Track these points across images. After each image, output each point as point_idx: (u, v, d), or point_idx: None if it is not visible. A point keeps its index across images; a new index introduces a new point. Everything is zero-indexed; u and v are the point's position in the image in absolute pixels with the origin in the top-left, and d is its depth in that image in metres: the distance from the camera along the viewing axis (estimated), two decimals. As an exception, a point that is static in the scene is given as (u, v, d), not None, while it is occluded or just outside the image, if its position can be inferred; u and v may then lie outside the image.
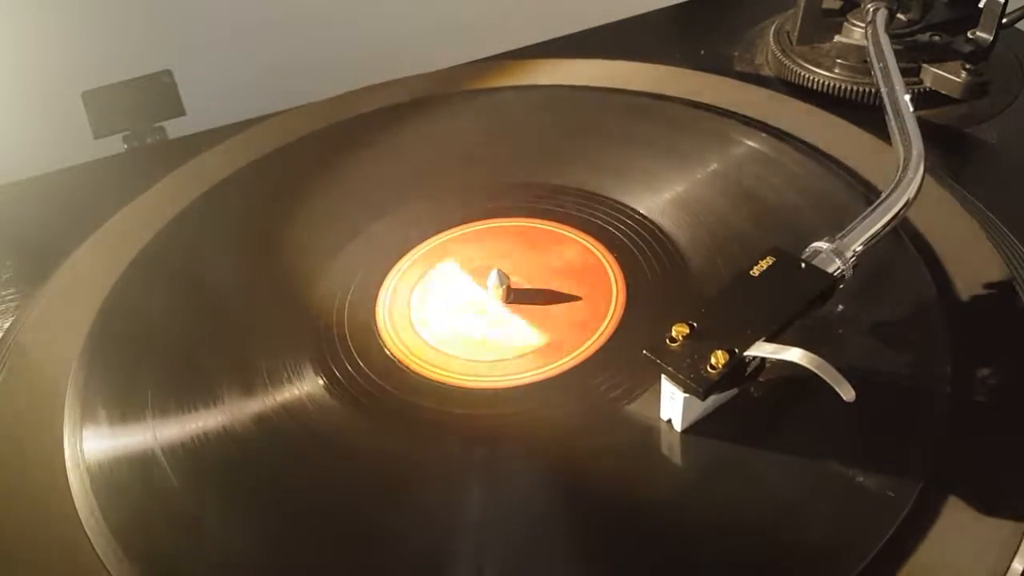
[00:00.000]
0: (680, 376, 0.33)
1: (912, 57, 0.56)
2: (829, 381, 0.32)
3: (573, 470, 0.36)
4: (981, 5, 0.55)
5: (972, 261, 0.42)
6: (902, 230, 0.43)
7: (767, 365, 0.35)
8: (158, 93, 0.61)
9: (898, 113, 0.45)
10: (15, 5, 0.67)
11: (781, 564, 0.32)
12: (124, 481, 0.36)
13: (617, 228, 0.46)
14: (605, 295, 0.43)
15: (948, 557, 0.31)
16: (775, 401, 0.36)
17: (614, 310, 0.42)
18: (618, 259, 0.45)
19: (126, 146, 0.60)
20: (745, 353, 0.33)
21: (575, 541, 0.33)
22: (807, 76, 0.59)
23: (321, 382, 0.40)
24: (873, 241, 0.38)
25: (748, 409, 0.36)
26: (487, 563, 0.33)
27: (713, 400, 0.35)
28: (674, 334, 0.34)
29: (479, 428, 0.38)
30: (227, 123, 0.59)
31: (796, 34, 0.61)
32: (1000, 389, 0.37)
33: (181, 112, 0.62)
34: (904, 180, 0.40)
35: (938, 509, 0.32)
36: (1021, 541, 0.31)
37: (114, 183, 0.55)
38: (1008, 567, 0.31)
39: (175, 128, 0.62)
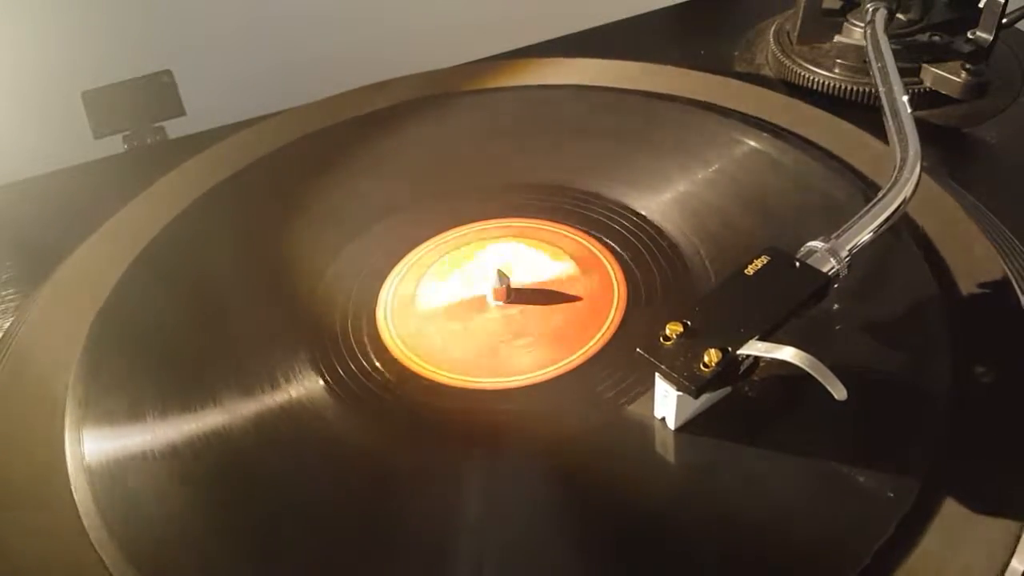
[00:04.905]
0: (673, 374, 0.33)
1: (912, 57, 0.56)
2: (821, 380, 0.32)
3: (572, 470, 0.36)
4: (981, 5, 0.55)
5: (972, 261, 0.42)
6: (902, 229, 0.43)
7: (761, 364, 0.35)
8: (158, 93, 0.61)
9: (896, 113, 0.45)
10: (15, 5, 0.67)
11: (780, 564, 0.32)
12: (125, 481, 0.36)
13: (617, 228, 0.46)
14: (605, 295, 0.43)
15: (947, 557, 0.31)
16: (773, 400, 0.36)
17: (614, 310, 0.42)
18: (618, 259, 0.45)
19: (126, 146, 0.60)
20: (738, 352, 0.33)
21: (573, 540, 0.33)
22: (807, 76, 0.59)
23: (321, 382, 0.40)
24: (869, 241, 0.38)
25: (745, 408, 0.36)
26: (487, 562, 0.33)
27: (707, 398, 0.35)
28: (668, 332, 0.34)
29: (479, 428, 0.38)
30: (227, 123, 0.60)
31: (796, 34, 0.61)
32: (999, 389, 0.37)
33: (181, 112, 0.62)
34: (900, 180, 0.40)
35: (937, 509, 0.32)
36: (1020, 541, 0.31)
37: (114, 183, 0.55)
38: (1007, 567, 0.31)
39: (175, 128, 0.62)
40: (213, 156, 0.54)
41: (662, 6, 0.72)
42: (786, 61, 0.60)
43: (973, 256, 0.42)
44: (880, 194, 0.39)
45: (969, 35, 0.56)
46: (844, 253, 0.37)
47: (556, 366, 0.40)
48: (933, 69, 0.56)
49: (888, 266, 0.42)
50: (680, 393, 0.34)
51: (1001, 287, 0.41)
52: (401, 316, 0.43)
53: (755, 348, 0.33)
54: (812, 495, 0.34)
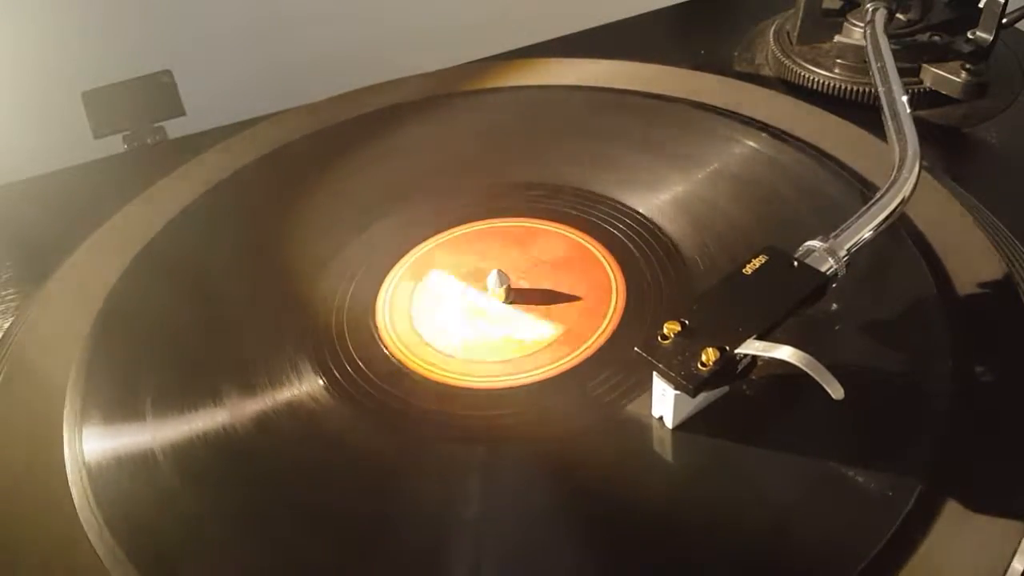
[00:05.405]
0: (671, 373, 0.33)
1: (912, 57, 0.56)
2: (818, 379, 0.32)
3: (570, 468, 0.36)
4: (981, 5, 0.55)
5: (972, 261, 0.42)
6: (902, 229, 0.43)
7: (759, 363, 0.35)
8: (158, 93, 0.61)
9: (895, 113, 0.45)
10: (15, 5, 0.67)
11: (779, 565, 0.32)
12: (124, 481, 0.36)
13: (617, 228, 0.46)
14: (605, 295, 0.43)
15: (948, 557, 0.31)
16: (771, 399, 0.36)
17: (614, 310, 0.42)
18: (618, 259, 0.45)
19: (126, 146, 0.61)
20: (736, 351, 0.33)
21: (571, 539, 0.33)
22: (807, 76, 0.59)
23: (321, 382, 0.40)
24: (867, 240, 0.38)
25: (743, 408, 0.36)
26: (486, 561, 0.33)
27: (704, 397, 0.35)
28: (666, 331, 0.34)
29: (479, 428, 0.38)
30: (227, 123, 0.60)
31: (796, 34, 0.61)
32: (999, 389, 0.37)
33: (181, 112, 0.62)
34: (899, 179, 0.40)
35: (938, 509, 0.32)
36: (1021, 541, 0.31)
37: (114, 183, 0.55)
38: (1008, 567, 0.31)
39: (175, 128, 0.62)
40: (213, 156, 0.54)
41: (662, 6, 0.72)
42: (786, 61, 0.60)
43: (973, 256, 0.42)
44: (879, 194, 0.39)
45: (969, 35, 0.56)
46: (842, 253, 0.37)
47: (555, 365, 0.40)
48: (933, 69, 0.56)
49: (887, 266, 0.42)
50: (677, 392, 0.34)
51: (1001, 287, 0.41)
52: (401, 315, 0.43)
53: (753, 347, 0.33)
54: (812, 495, 0.33)
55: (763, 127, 0.51)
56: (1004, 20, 0.55)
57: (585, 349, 0.40)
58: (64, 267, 0.47)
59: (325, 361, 0.41)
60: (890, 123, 0.45)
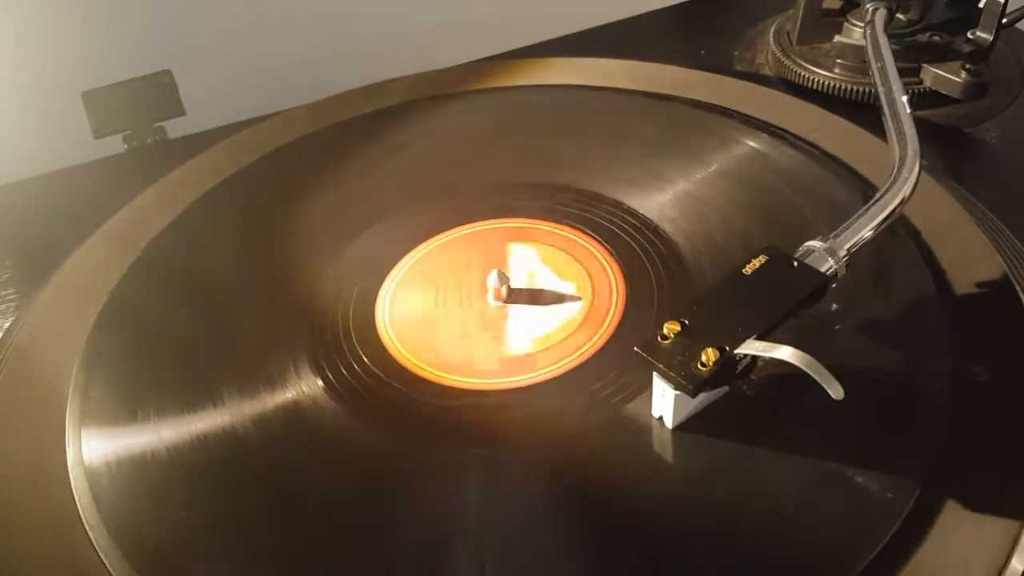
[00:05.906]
0: (671, 373, 0.33)
1: (912, 57, 0.56)
2: (818, 379, 0.32)
3: (571, 468, 0.36)
4: (981, 5, 0.55)
5: (972, 261, 0.42)
6: (902, 229, 0.43)
7: (759, 363, 0.35)
8: (158, 93, 0.61)
9: (895, 113, 0.45)
10: (15, 5, 0.67)
11: (779, 565, 0.32)
12: (124, 482, 0.36)
13: (617, 228, 0.46)
14: (605, 296, 0.43)
15: (947, 557, 0.31)
16: (771, 399, 0.36)
17: (614, 311, 0.42)
18: (618, 259, 0.45)
19: (126, 146, 0.61)
20: (736, 351, 0.33)
21: (571, 539, 0.34)
22: (807, 76, 0.59)
23: (321, 382, 0.40)
24: (867, 240, 0.38)
25: (744, 408, 0.36)
26: (486, 561, 0.33)
27: (704, 397, 0.35)
28: (665, 331, 0.34)
29: (479, 428, 0.38)
30: (227, 123, 0.60)
31: (796, 34, 0.61)
32: (999, 389, 0.37)
33: (181, 112, 0.62)
34: (899, 179, 0.40)
35: (937, 509, 0.32)
36: (1020, 541, 0.31)
37: (114, 183, 0.55)
38: (1007, 567, 0.31)
39: (175, 128, 0.62)
40: (213, 156, 0.54)
41: (662, 6, 0.72)
42: (786, 61, 0.60)
43: (973, 256, 0.42)
44: (879, 193, 0.39)
45: (969, 35, 0.56)
46: (842, 253, 0.37)
47: (555, 365, 0.40)
48: (933, 69, 0.56)
49: (887, 266, 0.42)
50: (678, 392, 0.34)
51: (1001, 287, 0.41)
52: (400, 316, 0.43)
53: (753, 347, 0.33)
54: (811, 495, 0.34)
55: (763, 127, 0.51)
56: (1004, 20, 0.55)
57: (586, 349, 0.40)
58: (64, 267, 0.47)
59: (326, 361, 0.41)
60: (890, 123, 0.45)
